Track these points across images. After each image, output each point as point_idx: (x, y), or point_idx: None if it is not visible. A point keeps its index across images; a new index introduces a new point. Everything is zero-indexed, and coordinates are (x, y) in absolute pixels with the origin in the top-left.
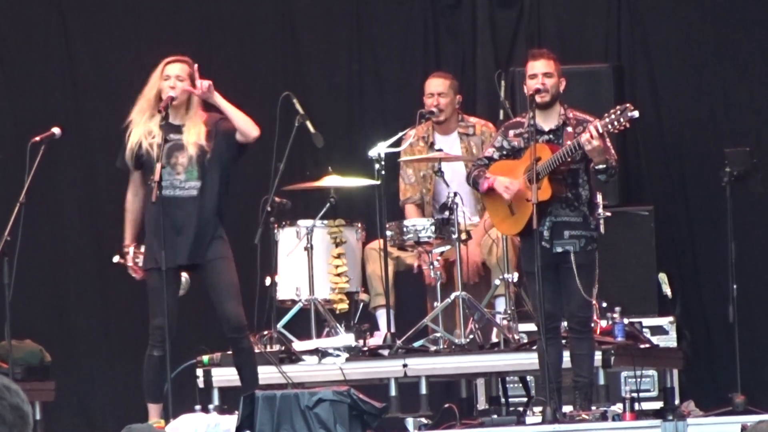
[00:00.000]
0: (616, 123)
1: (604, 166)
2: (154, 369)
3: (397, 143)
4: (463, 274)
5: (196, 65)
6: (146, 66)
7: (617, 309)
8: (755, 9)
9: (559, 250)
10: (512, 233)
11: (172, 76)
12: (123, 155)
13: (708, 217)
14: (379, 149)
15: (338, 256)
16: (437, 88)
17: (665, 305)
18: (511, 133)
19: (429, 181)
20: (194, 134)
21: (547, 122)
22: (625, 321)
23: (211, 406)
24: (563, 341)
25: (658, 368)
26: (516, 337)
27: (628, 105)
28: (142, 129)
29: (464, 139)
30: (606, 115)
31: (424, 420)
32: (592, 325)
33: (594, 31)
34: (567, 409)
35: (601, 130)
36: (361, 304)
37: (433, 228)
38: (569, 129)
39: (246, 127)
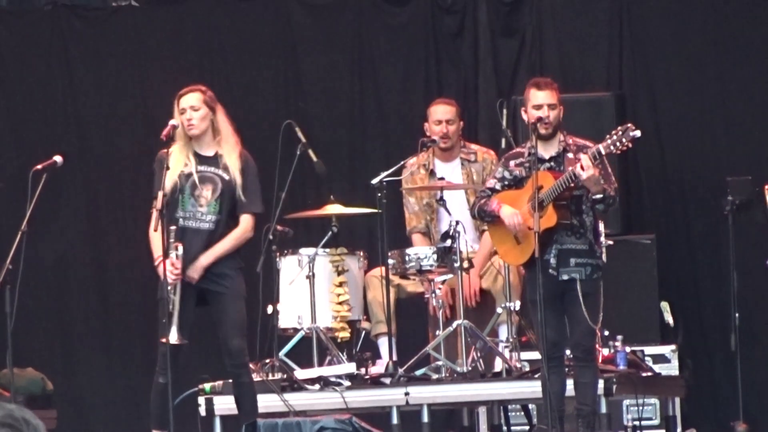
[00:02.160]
0: (618, 144)
1: (601, 196)
2: (159, 395)
3: (399, 171)
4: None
5: (209, 92)
6: (148, 93)
7: (619, 337)
8: (757, 37)
9: (566, 277)
10: (519, 263)
11: (186, 108)
12: (159, 184)
13: (710, 245)
14: (381, 177)
15: (340, 285)
16: (446, 115)
17: (667, 333)
18: (512, 163)
19: (433, 210)
20: (234, 165)
21: (547, 150)
22: (627, 349)
23: None
24: (566, 369)
25: (660, 396)
26: (518, 365)
27: (629, 125)
28: (178, 161)
29: (466, 165)
30: (608, 136)
31: None
32: (595, 353)
33: (596, 60)
34: None
35: (603, 152)
36: (363, 333)
37: (435, 256)
38: (570, 155)
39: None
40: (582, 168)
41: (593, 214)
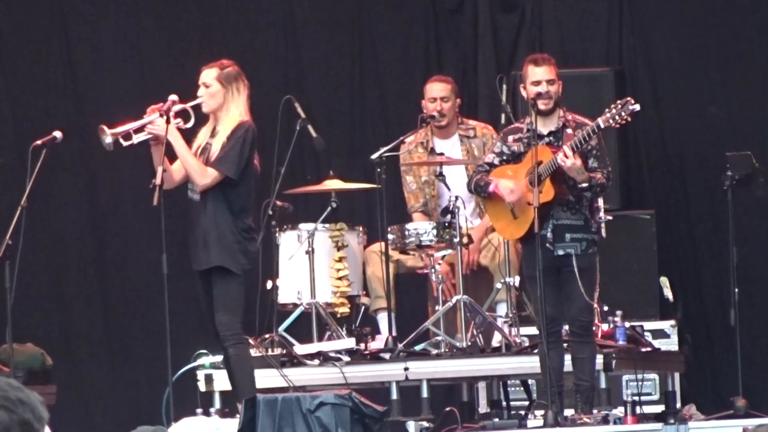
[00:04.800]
0: (617, 117)
1: (587, 185)
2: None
3: (398, 147)
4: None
5: (229, 68)
6: (147, 70)
7: (618, 313)
8: (756, 13)
9: (561, 252)
10: (515, 237)
11: (201, 84)
12: None
13: (709, 221)
14: (381, 153)
15: (340, 260)
16: (440, 92)
17: (667, 309)
18: (510, 138)
19: (432, 187)
20: (219, 141)
21: (546, 126)
22: (627, 324)
23: (212, 410)
24: (564, 345)
25: (660, 372)
26: (517, 340)
27: (629, 98)
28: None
29: (465, 141)
30: (607, 110)
31: (425, 423)
32: (594, 328)
33: (595, 36)
34: (569, 412)
35: (602, 126)
36: (363, 308)
37: (434, 232)
38: (569, 131)
39: (192, 176)
40: (565, 155)
41: None
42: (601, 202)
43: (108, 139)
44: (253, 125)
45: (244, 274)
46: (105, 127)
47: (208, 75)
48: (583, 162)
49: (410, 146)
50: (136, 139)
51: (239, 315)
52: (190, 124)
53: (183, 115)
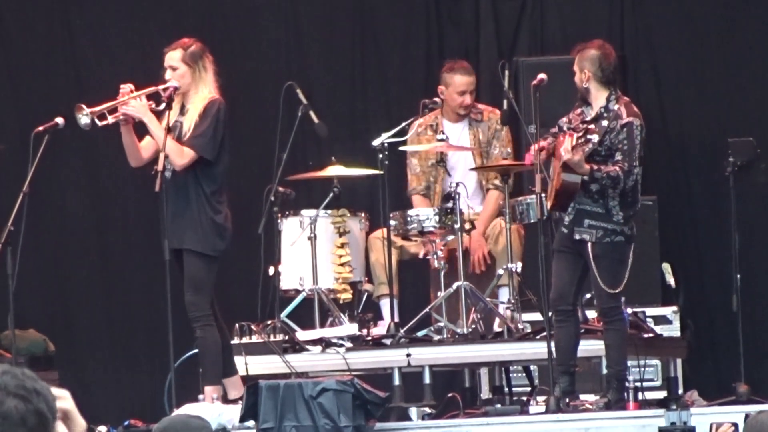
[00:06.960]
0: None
1: (587, 177)
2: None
3: (401, 133)
4: (469, 264)
5: (192, 47)
6: (149, 55)
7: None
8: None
9: (578, 237)
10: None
11: (167, 67)
12: None
13: (711, 207)
14: (383, 139)
15: (342, 246)
16: (469, 86)
17: (669, 295)
18: (572, 114)
19: (439, 171)
20: (189, 119)
21: (589, 113)
22: (629, 310)
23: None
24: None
25: (662, 358)
26: (519, 326)
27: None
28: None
29: (474, 125)
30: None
31: (427, 409)
32: (616, 315)
33: (597, 22)
34: (583, 397)
35: (574, 143)
36: (365, 294)
37: (437, 218)
38: (604, 123)
39: (170, 157)
40: (565, 151)
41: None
42: (639, 196)
43: (85, 119)
44: (222, 102)
45: (219, 256)
46: (84, 106)
47: (173, 57)
48: (600, 155)
49: (419, 128)
50: (111, 119)
51: (209, 295)
52: (161, 107)
53: (154, 97)
